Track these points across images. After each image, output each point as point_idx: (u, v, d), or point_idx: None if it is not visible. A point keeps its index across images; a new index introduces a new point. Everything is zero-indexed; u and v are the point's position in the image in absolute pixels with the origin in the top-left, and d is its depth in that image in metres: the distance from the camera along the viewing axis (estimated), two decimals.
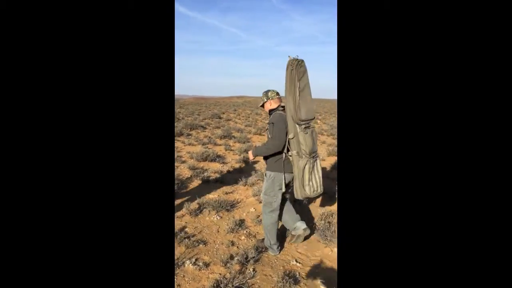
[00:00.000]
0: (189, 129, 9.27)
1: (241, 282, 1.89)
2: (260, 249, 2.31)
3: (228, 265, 2.11)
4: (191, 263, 2.11)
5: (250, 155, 2.26)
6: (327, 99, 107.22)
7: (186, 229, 2.69)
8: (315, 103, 2.20)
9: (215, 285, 1.85)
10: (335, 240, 2.45)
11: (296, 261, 2.23)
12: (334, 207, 3.29)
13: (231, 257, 2.21)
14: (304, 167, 1.99)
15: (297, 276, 2.03)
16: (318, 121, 14.74)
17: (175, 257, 2.20)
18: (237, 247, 2.42)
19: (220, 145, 7.04)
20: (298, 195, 2.06)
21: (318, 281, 1.99)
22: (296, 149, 2.00)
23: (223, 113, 17.65)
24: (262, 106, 2.28)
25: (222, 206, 3.13)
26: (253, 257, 2.16)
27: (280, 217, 2.32)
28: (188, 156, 5.60)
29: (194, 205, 3.19)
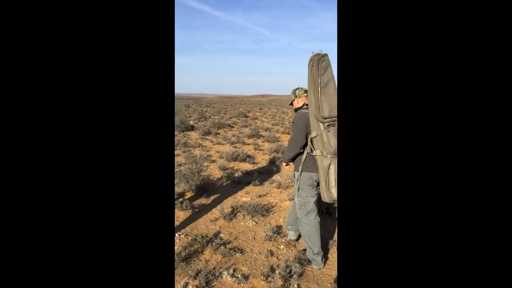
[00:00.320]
0: (216, 128, 9.23)
1: None
2: (303, 262, 2.10)
3: (270, 279, 1.92)
4: (228, 274, 1.95)
5: (283, 163, 2.23)
6: None
7: (221, 235, 2.54)
8: None
9: None
10: None
11: None
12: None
13: (272, 270, 2.01)
14: (329, 168, 1.84)
15: None
16: None
17: (212, 266, 2.05)
18: (277, 257, 2.23)
19: (249, 144, 6.89)
20: (325, 197, 1.89)
21: None
22: (320, 148, 1.87)
23: (249, 112, 17.57)
24: (291, 104, 2.21)
25: (257, 211, 2.95)
26: (297, 272, 1.96)
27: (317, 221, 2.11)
28: (217, 156, 5.50)
29: (227, 208, 3.04)
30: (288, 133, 8.91)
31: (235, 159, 5.12)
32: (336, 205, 2.81)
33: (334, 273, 2.04)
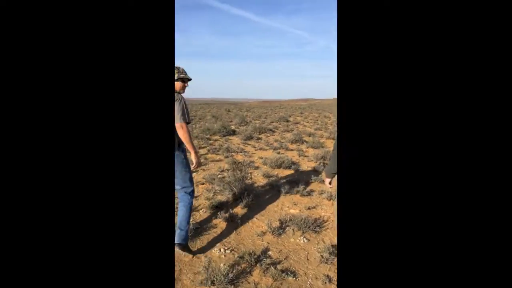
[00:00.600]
0: (258, 133, 9.07)
1: None
2: None
3: None
4: None
5: (325, 180, 1.99)
6: None
7: (270, 252, 2.29)
8: None
9: None
10: None
11: None
12: None
13: None
14: None
15: None
16: None
17: None
18: (336, 285, 1.91)
19: (292, 150, 6.59)
20: None
21: None
22: None
23: (290, 116, 17.21)
24: None
25: (308, 226, 2.65)
26: None
27: None
28: (261, 162, 5.29)
29: (275, 221, 2.78)
30: (333, 138, 8.41)
31: (279, 166, 4.86)
32: None
33: None
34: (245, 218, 2.89)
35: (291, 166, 4.87)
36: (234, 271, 1.96)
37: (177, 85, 2.15)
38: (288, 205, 3.27)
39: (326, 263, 2.14)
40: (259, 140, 7.91)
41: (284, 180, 4.17)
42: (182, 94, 2.17)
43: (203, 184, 3.94)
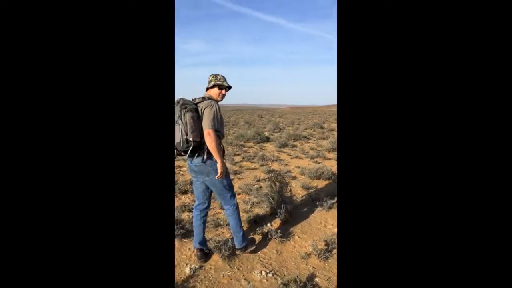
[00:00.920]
0: (292, 140, 8.81)
1: None
2: None
3: None
4: None
5: None
6: None
7: (317, 279, 2.03)
8: None
9: None
10: None
11: None
12: None
13: None
14: None
15: None
16: None
17: None
18: None
19: (330, 159, 6.23)
20: None
21: None
22: None
23: (324, 123, 16.69)
24: None
25: None
26: None
27: None
28: (298, 172, 5.03)
29: (320, 242, 2.52)
30: None
31: (318, 177, 4.56)
32: None
33: None
34: (286, 235, 2.66)
35: (331, 177, 4.55)
36: None
37: (213, 92, 2.12)
38: (332, 223, 2.98)
39: None
40: (294, 148, 7.64)
41: (325, 193, 3.88)
42: (219, 101, 2.14)
43: (239, 194, 3.78)
